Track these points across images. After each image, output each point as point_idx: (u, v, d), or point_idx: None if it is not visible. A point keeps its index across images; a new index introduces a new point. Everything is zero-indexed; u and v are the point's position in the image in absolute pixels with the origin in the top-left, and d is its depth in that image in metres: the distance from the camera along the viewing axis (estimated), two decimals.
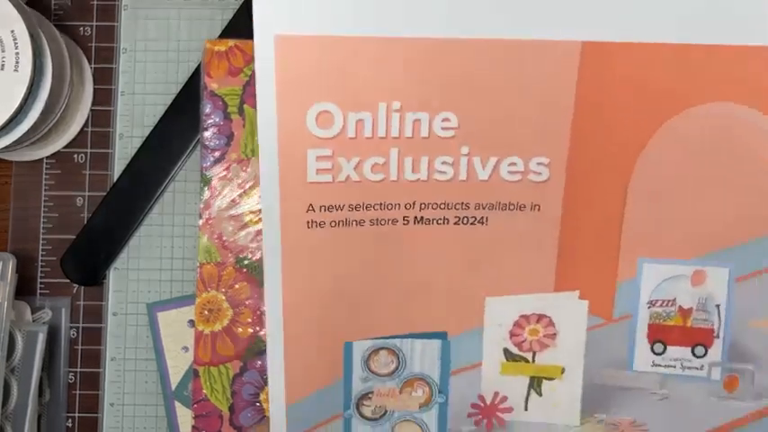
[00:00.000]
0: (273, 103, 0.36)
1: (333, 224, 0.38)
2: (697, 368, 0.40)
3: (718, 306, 0.39)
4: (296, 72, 0.36)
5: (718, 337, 0.40)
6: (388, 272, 0.39)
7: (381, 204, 0.38)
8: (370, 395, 0.41)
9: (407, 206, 0.38)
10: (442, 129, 0.37)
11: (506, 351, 0.41)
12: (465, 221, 0.39)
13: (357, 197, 0.38)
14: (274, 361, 0.39)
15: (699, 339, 0.40)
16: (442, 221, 0.38)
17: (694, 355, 0.40)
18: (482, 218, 0.38)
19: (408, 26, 0.35)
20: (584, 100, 0.37)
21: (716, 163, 0.38)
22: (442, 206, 0.38)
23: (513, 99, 0.37)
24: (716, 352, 0.40)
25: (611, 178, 0.38)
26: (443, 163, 0.38)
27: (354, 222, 0.38)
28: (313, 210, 0.37)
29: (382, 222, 0.38)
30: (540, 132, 0.37)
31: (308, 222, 0.38)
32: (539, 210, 0.38)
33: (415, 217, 0.38)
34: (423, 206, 0.38)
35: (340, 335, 0.40)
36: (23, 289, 0.48)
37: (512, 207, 0.38)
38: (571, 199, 0.38)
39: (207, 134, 0.44)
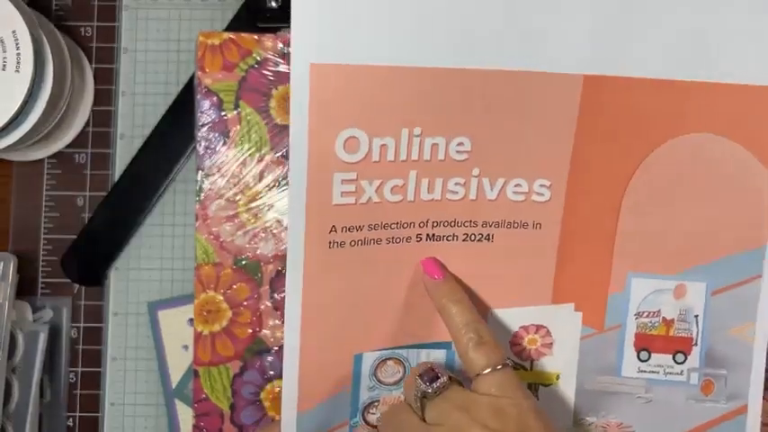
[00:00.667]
0: (306, 128, 0.37)
1: (353, 243, 0.39)
2: (678, 373, 0.43)
3: (696, 317, 0.43)
4: (328, 99, 0.37)
5: (696, 344, 0.43)
6: (399, 286, 0.41)
7: (398, 224, 0.40)
8: (376, 403, 0.42)
9: (421, 224, 0.40)
10: (457, 152, 0.39)
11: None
12: (472, 238, 0.41)
13: (377, 217, 0.39)
14: (289, 372, 0.40)
15: (679, 347, 0.43)
16: (451, 238, 0.40)
17: (675, 361, 0.43)
18: (488, 235, 0.41)
19: (431, 57, 0.38)
20: (585, 128, 0.40)
21: (696, 187, 0.41)
22: (452, 224, 0.40)
23: (521, 125, 0.39)
24: (694, 358, 0.43)
25: (606, 199, 0.41)
26: (456, 184, 0.40)
27: (372, 241, 0.40)
28: (335, 231, 0.39)
29: (398, 240, 0.40)
30: (543, 156, 0.40)
31: (330, 242, 0.39)
32: (540, 228, 0.41)
33: (428, 234, 0.40)
34: (435, 224, 0.40)
35: (352, 347, 0.41)
36: (24, 289, 0.48)
37: (516, 225, 0.41)
38: (569, 218, 0.41)
39: (202, 131, 0.44)
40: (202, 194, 0.43)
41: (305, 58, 0.37)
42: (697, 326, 0.43)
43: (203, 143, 0.43)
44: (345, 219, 0.39)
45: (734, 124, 0.40)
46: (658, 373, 0.43)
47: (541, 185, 0.40)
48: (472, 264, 0.41)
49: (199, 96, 0.43)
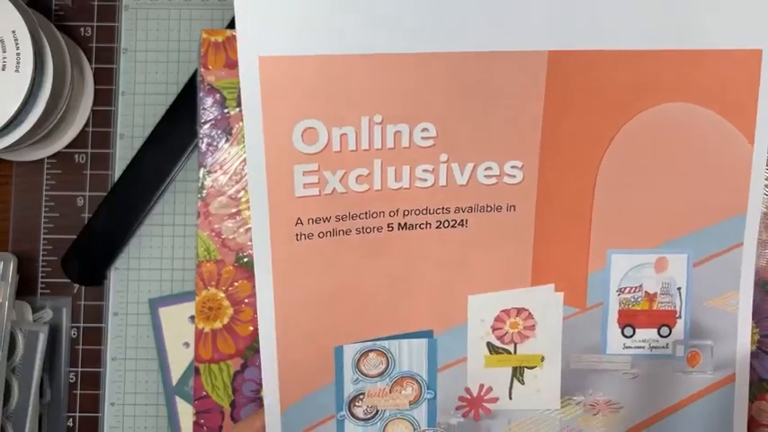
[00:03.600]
0: (260, 122, 0.37)
1: (321, 235, 0.39)
2: (663, 347, 0.43)
3: (679, 289, 0.43)
4: (280, 91, 0.37)
5: (680, 317, 0.43)
6: (374, 277, 0.41)
7: (366, 213, 0.39)
8: (361, 396, 0.42)
9: (391, 213, 0.40)
10: (422, 138, 0.39)
11: (489, 345, 0.43)
12: (446, 225, 0.40)
13: (343, 208, 0.39)
14: (268, 367, 0.40)
15: (663, 320, 0.43)
16: (424, 226, 0.40)
17: (660, 335, 0.43)
18: (462, 220, 0.40)
19: (386, 43, 0.37)
20: (553, 105, 0.39)
21: (672, 158, 0.41)
22: (424, 212, 0.40)
23: (487, 108, 0.39)
24: (679, 331, 0.43)
25: (580, 177, 0.41)
26: (424, 171, 0.39)
27: (341, 232, 0.39)
28: (301, 223, 0.39)
29: (368, 230, 0.40)
30: (512, 138, 0.39)
31: (297, 235, 0.39)
32: (514, 210, 0.40)
33: (399, 223, 0.40)
34: (406, 213, 0.40)
35: (330, 340, 0.41)
36: (24, 289, 0.48)
37: (489, 209, 0.40)
38: (544, 199, 0.40)
39: (205, 129, 0.44)
40: (204, 191, 0.43)
41: (253, 52, 0.36)
42: (680, 298, 0.42)
43: (205, 140, 0.44)
44: (310, 210, 0.39)
45: (708, 91, 0.40)
46: (644, 348, 0.43)
47: (513, 167, 0.40)
48: (448, 251, 0.41)
49: (201, 93, 0.44)
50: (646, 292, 0.43)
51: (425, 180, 0.39)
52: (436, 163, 0.39)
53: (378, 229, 0.40)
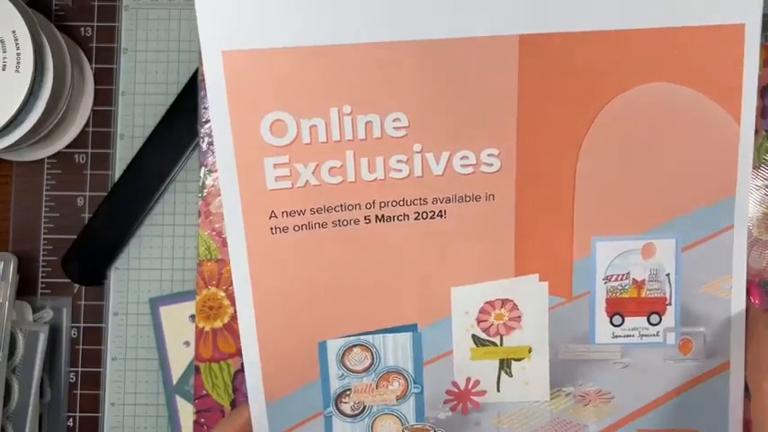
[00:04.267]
0: (227, 116, 0.37)
1: (296, 228, 0.39)
2: (653, 335, 0.42)
3: (668, 275, 0.42)
4: (246, 85, 0.37)
5: (670, 304, 0.42)
6: (354, 271, 0.40)
7: (342, 206, 0.39)
8: (348, 392, 0.42)
9: (368, 206, 0.39)
10: (394, 128, 0.38)
11: (475, 337, 0.42)
12: (424, 216, 0.40)
13: (318, 201, 0.39)
14: (250, 363, 0.40)
15: (653, 308, 0.42)
16: (402, 218, 0.40)
17: (650, 323, 0.42)
18: (440, 211, 0.40)
19: (351, 33, 0.37)
20: (527, 91, 0.38)
21: (655, 141, 0.40)
22: (401, 203, 0.40)
23: (459, 95, 0.38)
24: (669, 318, 0.42)
25: (560, 163, 0.40)
26: (398, 161, 0.39)
27: (317, 225, 0.39)
28: (275, 216, 0.39)
29: (344, 223, 0.39)
30: (487, 125, 0.39)
31: (272, 229, 0.39)
32: (493, 199, 0.40)
33: (376, 215, 0.40)
34: (382, 204, 0.40)
35: (313, 335, 0.41)
36: (25, 289, 0.48)
37: (467, 199, 0.40)
38: (523, 186, 0.40)
39: (206, 127, 0.44)
40: (205, 191, 0.43)
41: (215, 46, 0.36)
42: (669, 284, 0.41)
43: (206, 139, 0.44)
44: (284, 203, 0.38)
45: (690, 70, 0.38)
46: (633, 336, 0.42)
47: (489, 155, 0.39)
48: (427, 242, 0.40)
49: (203, 92, 0.44)
50: (633, 279, 0.42)
51: (400, 171, 0.39)
52: (410, 153, 0.39)
53: (354, 221, 0.39)
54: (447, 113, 0.39)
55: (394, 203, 0.40)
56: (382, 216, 0.40)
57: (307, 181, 0.39)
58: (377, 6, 0.37)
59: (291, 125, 0.38)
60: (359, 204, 0.39)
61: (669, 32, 0.38)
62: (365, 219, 0.40)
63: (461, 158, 0.39)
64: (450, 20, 0.37)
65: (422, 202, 0.40)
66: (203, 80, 0.41)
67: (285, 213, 0.39)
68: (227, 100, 0.37)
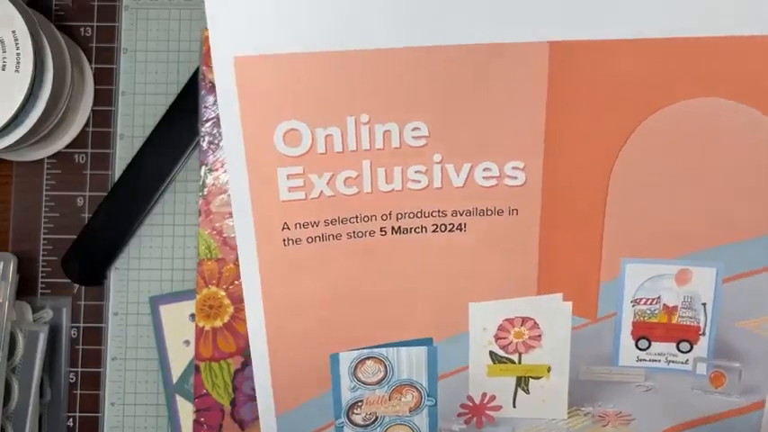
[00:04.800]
0: (239, 124, 0.36)
1: (309, 240, 0.38)
2: (682, 362, 0.40)
3: (704, 305, 0.40)
4: (259, 92, 0.36)
5: (704, 334, 0.40)
6: (369, 283, 0.39)
7: (357, 217, 0.38)
8: (360, 403, 0.42)
9: (384, 217, 0.38)
10: (413, 138, 0.37)
11: (492, 354, 0.41)
12: (443, 229, 0.39)
13: (332, 212, 0.38)
14: (260, 374, 0.40)
15: (684, 336, 0.40)
16: (419, 230, 0.39)
17: (679, 350, 0.40)
18: (460, 224, 0.39)
19: (369, 37, 0.35)
20: (557, 101, 0.36)
21: (701, 160, 0.37)
22: (419, 215, 0.38)
23: (483, 104, 0.37)
24: (701, 348, 0.40)
25: (591, 180, 0.38)
26: (417, 172, 0.38)
27: (332, 237, 0.38)
28: (288, 228, 0.38)
29: (359, 235, 0.38)
30: (512, 136, 0.37)
31: (285, 240, 0.38)
32: (516, 214, 0.38)
33: (393, 227, 0.38)
34: (399, 216, 0.38)
35: (326, 347, 0.40)
36: (24, 289, 0.48)
37: (489, 212, 0.38)
38: (550, 202, 0.38)
39: (206, 127, 0.44)
40: (206, 190, 0.43)
41: (228, 52, 0.35)
42: (705, 314, 0.39)
43: (207, 138, 0.43)
44: (297, 215, 0.37)
45: (739, 83, 0.35)
46: (659, 361, 0.40)
47: (514, 168, 0.37)
48: (445, 256, 0.39)
49: (203, 92, 0.44)
50: (664, 304, 0.40)
51: (419, 182, 0.38)
52: (429, 164, 0.37)
53: (370, 233, 0.38)
54: (470, 123, 0.37)
55: (411, 215, 0.38)
56: (399, 228, 0.38)
57: (321, 192, 0.37)
58: (398, 10, 0.35)
59: (306, 134, 0.36)
60: (375, 216, 0.38)
61: (715, 42, 0.35)
62: (381, 231, 0.38)
63: (484, 170, 0.38)
64: (475, 24, 0.35)
65: (441, 214, 0.38)
66: (204, 79, 0.41)
67: (298, 225, 0.38)
68: (240, 108, 0.36)
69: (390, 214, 0.38)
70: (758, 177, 0.37)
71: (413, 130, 0.37)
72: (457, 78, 0.36)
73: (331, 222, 0.38)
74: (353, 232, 0.38)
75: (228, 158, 0.37)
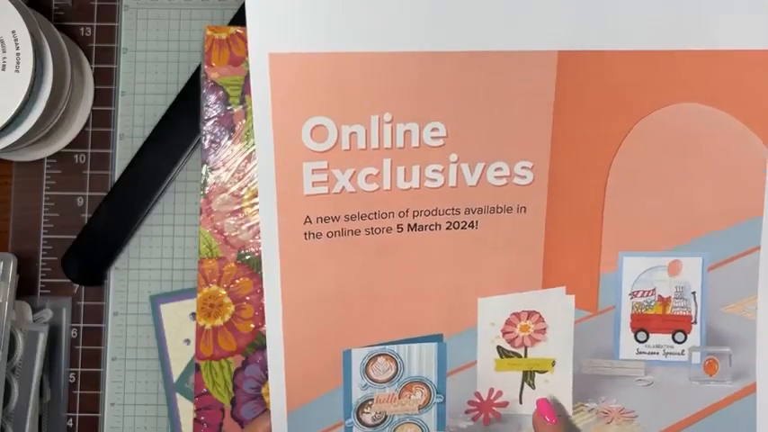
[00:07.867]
0: (270, 119, 0.37)
1: (330, 234, 0.39)
2: (678, 353, 0.42)
3: (693, 293, 0.42)
4: (290, 88, 0.37)
5: (695, 322, 0.42)
6: (383, 279, 0.40)
7: (376, 213, 0.39)
8: (369, 402, 0.42)
9: (401, 214, 0.39)
10: (432, 138, 0.39)
11: (500, 348, 0.42)
12: (456, 226, 0.40)
13: (352, 207, 0.39)
14: (275, 368, 0.40)
15: (678, 326, 0.42)
16: (434, 227, 0.40)
17: (675, 341, 0.42)
18: (472, 222, 0.40)
19: (396, 41, 0.37)
20: (563, 106, 0.39)
21: (685, 160, 0.40)
22: (434, 212, 0.40)
23: (497, 107, 0.39)
24: (695, 337, 0.42)
25: (591, 178, 0.40)
26: (434, 171, 0.39)
27: (350, 232, 0.39)
28: (310, 222, 0.39)
29: (377, 231, 0.39)
30: (523, 138, 0.39)
31: (306, 234, 0.39)
32: (524, 211, 0.40)
33: (409, 224, 0.40)
34: (416, 213, 0.40)
35: (339, 342, 0.41)
36: (24, 289, 0.48)
37: (499, 210, 0.40)
38: (554, 200, 0.40)
39: (208, 125, 0.44)
40: (207, 188, 0.43)
41: (263, 48, 0.36)
42: (695, 303, 0.42)
43: (208, 137, 0.44)
44: (320, 209, 0.38)
45: (722, 93, 0.39)
46: (658, 354, 0.42)
47: (523, 168, 0.39)
48: (457, 252, 0.40)
49: (205, 91, 0.44)
50: (659, 295, 0.42)
51: (435, 180, 0.39)
52: (446, 163, 0.39)
53: (387, 229, 0.39)
54: (484, 125, 0.39)
55: (427, 213, 0.40)
56: (415, 225, 0.40)
57: (343, 187, 0.39)
58: (422, 16, 0.37)
59: (332, 131, 0.38)
60: (392, 212, 0.39)
61: (703, 55, 0.38)
62: (398, 227, 0.40)
63: (496, 170, 0.39)
64: (492, 33, 0.38)
65: (455, 212, 0.40)
66: (206, 78, 0.41)
67: (320, 219, 0.39)
68: (272, 102, 0.37)
69: (407, 211, 0.40)
70: (732, 172, 0.40)
71: (432, 130, 0.38)
72: (474, 82, 0.38)
73: (351, 218, 0.39)
74: (372, 228, 0.39)
75: (258, 151, 0.38)
